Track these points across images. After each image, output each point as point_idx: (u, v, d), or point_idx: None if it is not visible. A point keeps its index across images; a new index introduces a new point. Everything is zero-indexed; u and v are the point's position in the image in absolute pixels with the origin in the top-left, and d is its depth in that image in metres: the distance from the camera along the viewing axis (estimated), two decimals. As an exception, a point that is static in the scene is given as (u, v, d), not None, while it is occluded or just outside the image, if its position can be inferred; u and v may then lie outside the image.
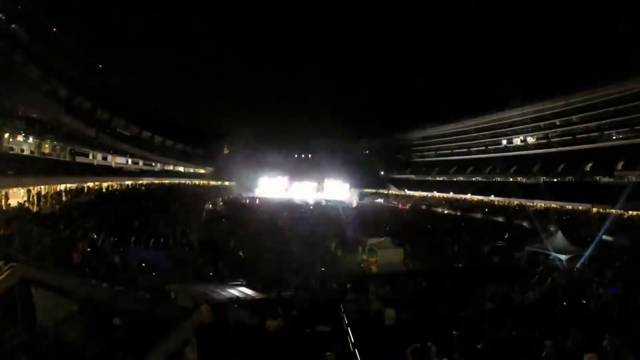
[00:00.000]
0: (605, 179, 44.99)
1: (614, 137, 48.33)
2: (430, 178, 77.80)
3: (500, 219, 40.67)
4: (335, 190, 71.18)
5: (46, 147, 32.43)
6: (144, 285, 9.54)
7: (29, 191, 23.35)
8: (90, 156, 41.59)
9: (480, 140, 71.59)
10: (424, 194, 70.43)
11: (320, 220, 32.95)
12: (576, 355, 6.22)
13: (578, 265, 17.79)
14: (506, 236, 28.72)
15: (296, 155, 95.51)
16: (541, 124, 59.61)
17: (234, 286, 12.83)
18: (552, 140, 57.66)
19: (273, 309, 8.57)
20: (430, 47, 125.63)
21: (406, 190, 76.63)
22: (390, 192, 78.89)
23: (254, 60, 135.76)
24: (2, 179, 20.98)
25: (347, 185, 73.05)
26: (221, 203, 47.09)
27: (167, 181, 58.23)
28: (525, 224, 35.31)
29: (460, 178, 71.31)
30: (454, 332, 7.61)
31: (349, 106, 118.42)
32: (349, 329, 8.40)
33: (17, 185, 23.10)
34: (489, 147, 69.54)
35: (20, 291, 3.50)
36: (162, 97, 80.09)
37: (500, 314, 9.52)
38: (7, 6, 33.17)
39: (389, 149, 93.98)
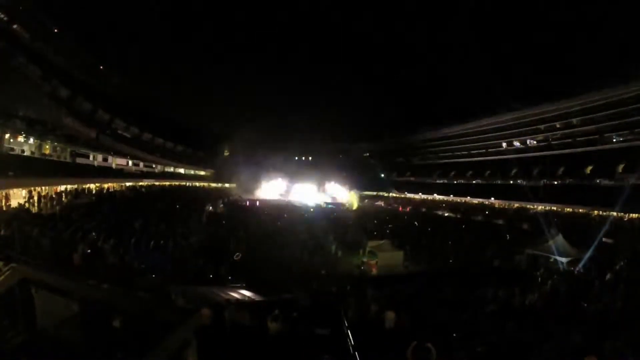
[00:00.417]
0: (606, 182, 45.03)
1: (614, 140, 48.38)
2: (430, 181, 77.83)
3: (501, 222, 40.62)
4: (336, 193, 71.10)
5: (47, 148, 32.49)
6: (144, 287, 9.51)
7: (30, 192, 23.37)
8: (91, 157, 41.66)
9: (481, 143, 71.65)
10: (425, 196, 70.45)
11: (320, 223, 32.87)
12: (576, 357, 6.20)
13: (578, 267, 17.78)
14: (506, 239, 28.68)
15: (297, 158, 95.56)
16: (541, 126, 59.68)
17: (234, 288, 12.79)
18: (553, 143, 57.71)
19: (273, 312, 8.55)
20: (430, 49, 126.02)
21: (406, 193, 76.64)
22: (390, 194, 78.88)
23: (254, 62, 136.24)
24: (2, 180, 21.00)
25: (347, 188, 73.01)
26: (221, 205, 46.94)
27: (167, 183, 58.26)
28: (525, 226, 35.26)
29: (461, 181, 71.35)
30: (454, 335, 7.59)
31: (350, 109, 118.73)
32: (348, 331, 8.37)
33: (17, 186, 23.13)
34: (489, 150, 69.59)
35: (20, 292, 3.50)
36: (163, 98, 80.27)
37: (501, 316, 9.50)
38: (8, 7, 33.27)
39: (390, 152, 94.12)
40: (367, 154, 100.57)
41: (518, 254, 21.75)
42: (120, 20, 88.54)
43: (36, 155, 30.17)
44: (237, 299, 10.26)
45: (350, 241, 25.59)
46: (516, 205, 52.67)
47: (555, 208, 44.62)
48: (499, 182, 62.72)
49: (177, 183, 62.52)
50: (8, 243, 10.46)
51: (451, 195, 65.07)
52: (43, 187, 26.47)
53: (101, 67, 54.52)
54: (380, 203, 67.70)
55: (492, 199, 57.37)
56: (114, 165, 47.10)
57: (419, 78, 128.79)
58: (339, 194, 70.46)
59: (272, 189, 71.03)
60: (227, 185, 75.14)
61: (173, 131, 69.52)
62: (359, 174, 78.47)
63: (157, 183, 54.23)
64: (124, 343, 3.12)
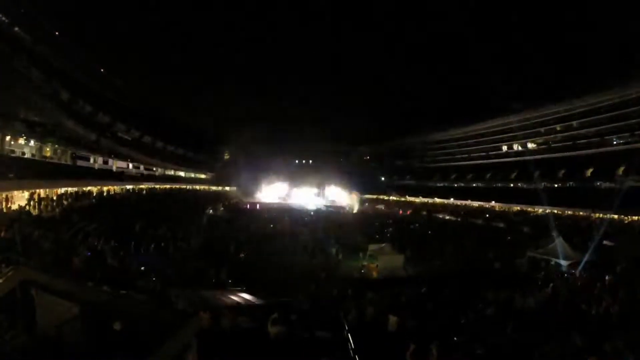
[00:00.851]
0: (606, 184, 45.02)
1: (615, 143, 48.39)
2: (431, 184, 77.81)
3: (501, 225, 40.57)
4: (336, 196, 71.08)
5: (47, 151, 32.50)
6: (144, 290, 9.51)
7: (32, 194, 23.40)
8: (92, 160, 41.65)
9: (481, 146, 71.70)
10: (425, 199, 70.43)
11: (320, 226, 32.86)
12: (577, 359, 6.20)
13: (577, 270, 17.77)
14: (507, 242, 28.66)
15: (297, 161, 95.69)
16: (542, 129, 59.74)
17: (234, 291, 12.77)
18: (553, 145, 57.75)
19: (273, 315, 8.54)
20: (431, 52, 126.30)
21: (407, 196, 76.62)
22: (391, 198, 78.84)
23: (255, 65, 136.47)
24: (3, 182, 21.02)
25: (347, 191, 72.97)
26: (222, 208, 46.96)
27: (168, 186, 58.29)
28: (526, 229, 35.23)
29: (461, 184, 71.33)
30: (455, 338, 7.58)
31: (350, 112, 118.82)
32: (349, 335, 8.36)
33: (18, 188, 23.15)
34: (489, 153, 69.62)
35: (21, 294, 3.51)
36: (163, 102, 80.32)
37: (501, 319, 9.49)
38: (9, 9, 33.39)
39: (390, 155, 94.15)
40: (368, 157, 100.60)
41: (519, 256, 21.72)
42: (121, 22, 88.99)
43: (37, 158, 30.13)
44: (237, 302, 10.25)
45: (350, 244, 25.55)
46: (517, 208, 52.63)
47: (555, 211, 44.55)
48: (500, 184, 62.71)
49: (177, 186, 62.53)
50: (9, 245, 10.47)
51: (452, 198, 65.03)
52: (44, 190, 26.49)
53: (102, 70, 54.62)
54: (381, 206, 67.70)
55: (493, 201, 57.35)
56: (114, 168, 47.11)
57: (419, 81, 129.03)
58: (340, 197, 70.44)
59: (272, 192, 71.03)
60: (227, 188, 75.15)
61: (173, 134, 69.61)
62: (359, 177, 78.36)
63: (157, 186, 54.24)
64: (124, 345, 3.13)
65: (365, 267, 20.92)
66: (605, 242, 24.59)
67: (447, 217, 50.93)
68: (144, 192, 46.28)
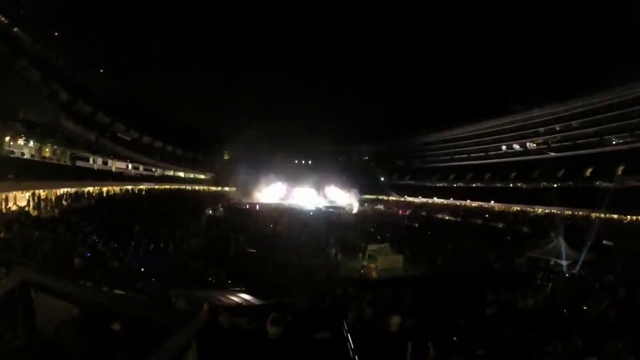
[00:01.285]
0: (606, 184, 45.01)
1: (614, 142, 48.40)
2: (430, 184, 77.75)
3: (501, 225, 40.60)
4: (335, 196, 71.05)
5: (47, 151, 32.47)
6: (144, 290, 9.50)
7: (32, 195, 23.38)
8: (91, 160, 41.64)
9: (480, 146, 71.66)
10: (424, 200, 70.40)
11: (320, 226, 32.87)
12: (577, 359, 6.20)
13: (576, 269, 17.78)
14: (507, 242, 28.68)
15: (296, 161, 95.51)
16: (541, 129, 59.67)
17: (233, 292, 12.78)
18: (552, 145, 57.73)
19: (272, 315, 8.54)
20: (431, 52, 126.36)
21: (406, 196, 76.59)
22: (390, 198, 78.80)
23: (254, 65, 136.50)
24: (2, 183, 21.00)
25: (347, 192, 72.93)
26: (221, 209, 46.94)
27: (167, 186, 58.25)
28: (525, 229, 35.25)
29: (460, 184, 71.29)
30: (455, 338, 7.56)
31: (349, 112, 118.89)
32: (349, 335, 8.35)
33: (17, 189, 23.13)
34: (489, 153, 69.59)
35: (20, 294, 3.49)
36: (163, 102, 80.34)
37: (501, 319, 9.48)
38: (9, 10, 33.37)
39: (389, 155, 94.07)
40: (367, 157, 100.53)
41: (518, 256, 21.74)
42: (120, 23, 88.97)
43: (36, 158, 30.10)
44: (237, 303, 10.25)
45: (350, 245, 25.59)
46: (516, 208, 52.64)
47: (555, 211, 44.56)
48: (499, 185, 62.68)
49: (176, 186, 62.52)
50: (8, 246, 10.45)
51: (451, 198, 64.95)
52: (43, 190, 26.47)
53: (101, 70, 54.61)
54: (380, 206, 67.71)
55: (492, 201, 57.35)
56: (113, 169, 47.11)
57: (418, 80, 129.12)
58: (339, 197, 70.41)
59: (271, 192, 70.97)
60: (226, 188, 75.09)
61: (173, 134, 69.59)
62: (358, 177, 78.35)
63: (156, 186, 54.22)
64: (123, 346, 3.12)
65: (364, 267, 20.95)
66: (604, 242, 24.63)
67: (447, 217, 50.99)
68: (144, 192, 46.28)
